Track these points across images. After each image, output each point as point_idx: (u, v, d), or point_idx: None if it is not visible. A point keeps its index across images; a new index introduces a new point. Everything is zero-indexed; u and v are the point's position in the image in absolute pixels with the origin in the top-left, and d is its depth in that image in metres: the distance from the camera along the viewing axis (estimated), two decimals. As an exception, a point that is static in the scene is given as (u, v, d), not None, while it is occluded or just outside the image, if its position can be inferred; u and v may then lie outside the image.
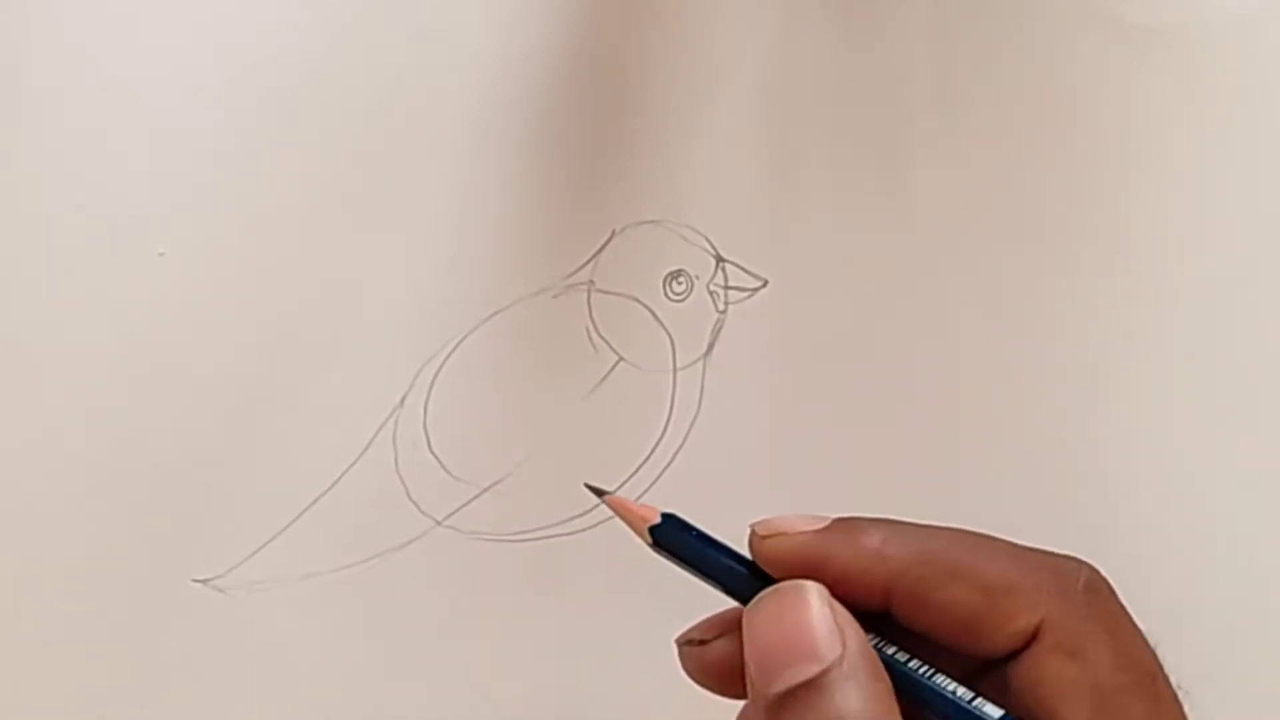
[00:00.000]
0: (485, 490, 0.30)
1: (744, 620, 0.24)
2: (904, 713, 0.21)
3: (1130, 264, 0.32)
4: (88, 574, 0.29)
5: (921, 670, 0.22)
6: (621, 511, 0.24)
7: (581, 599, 0.30)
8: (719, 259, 0.31)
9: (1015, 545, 0.23)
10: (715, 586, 0.24)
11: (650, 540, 0.24)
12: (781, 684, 0.23)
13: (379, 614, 0.29)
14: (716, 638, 0.24)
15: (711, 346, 0.31)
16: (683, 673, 0.28)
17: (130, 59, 0.32)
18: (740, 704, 0.25)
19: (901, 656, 0.23)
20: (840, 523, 0.23)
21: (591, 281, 0.31)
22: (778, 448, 0.30)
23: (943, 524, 0.23)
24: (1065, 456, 0.31)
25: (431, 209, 0.32)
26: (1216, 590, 0.30)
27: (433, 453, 0.30)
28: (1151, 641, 0.23)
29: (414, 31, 0.33)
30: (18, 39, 0.32)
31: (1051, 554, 0.23)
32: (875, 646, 0.22)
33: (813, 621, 0.23)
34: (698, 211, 0.32)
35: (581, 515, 0.30)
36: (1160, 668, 0.23)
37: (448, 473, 0.30)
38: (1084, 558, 0.24)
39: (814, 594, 0.24)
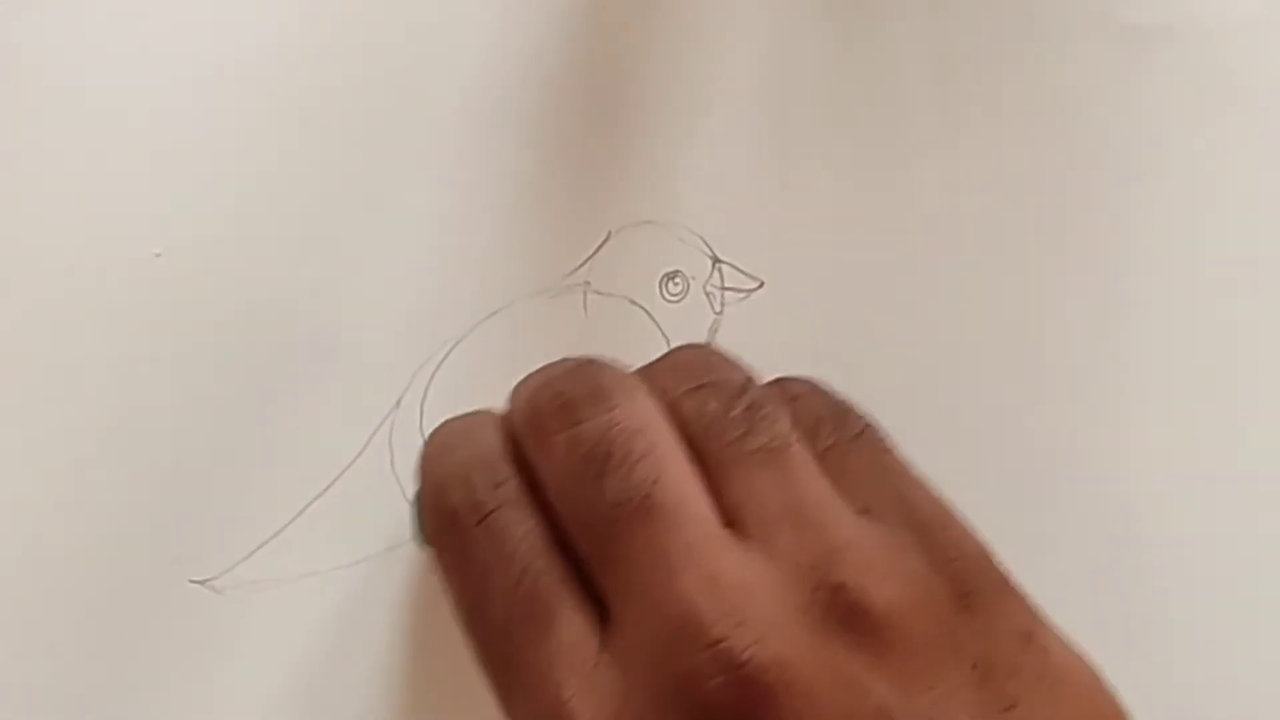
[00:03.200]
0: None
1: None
2: None
3: (1131, 266, 0.32)
4: (84, 575, 0.29)
5: None
6: None
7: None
8: (715, 260, 0.31)
9: None
10: None
11: None
12: None
13: (376, 614, 0.29)
14: None
15: (708, 348, 0.31)
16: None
17: (127, 59, 0.32)
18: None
19: None
20: None
21: (587, 283, 0.31)
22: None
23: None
24: (1065, 457, 0.31)
25: (427, 210, 0.32)
26: (1217, 589, 0.30)
27: (430, 454, 0.30)
28: None
29: (410, 32, 0.33)
30: (15, 39, 0.32)
31: None
32: None
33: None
34: (694, 212, 0.32)
35: (578, 516, 0.30)
36: None
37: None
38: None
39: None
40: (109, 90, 0.32)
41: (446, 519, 0.24)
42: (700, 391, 0.24)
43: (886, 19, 0.34)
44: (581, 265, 0.31)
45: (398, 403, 0.30)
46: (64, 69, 0.32)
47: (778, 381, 0.25)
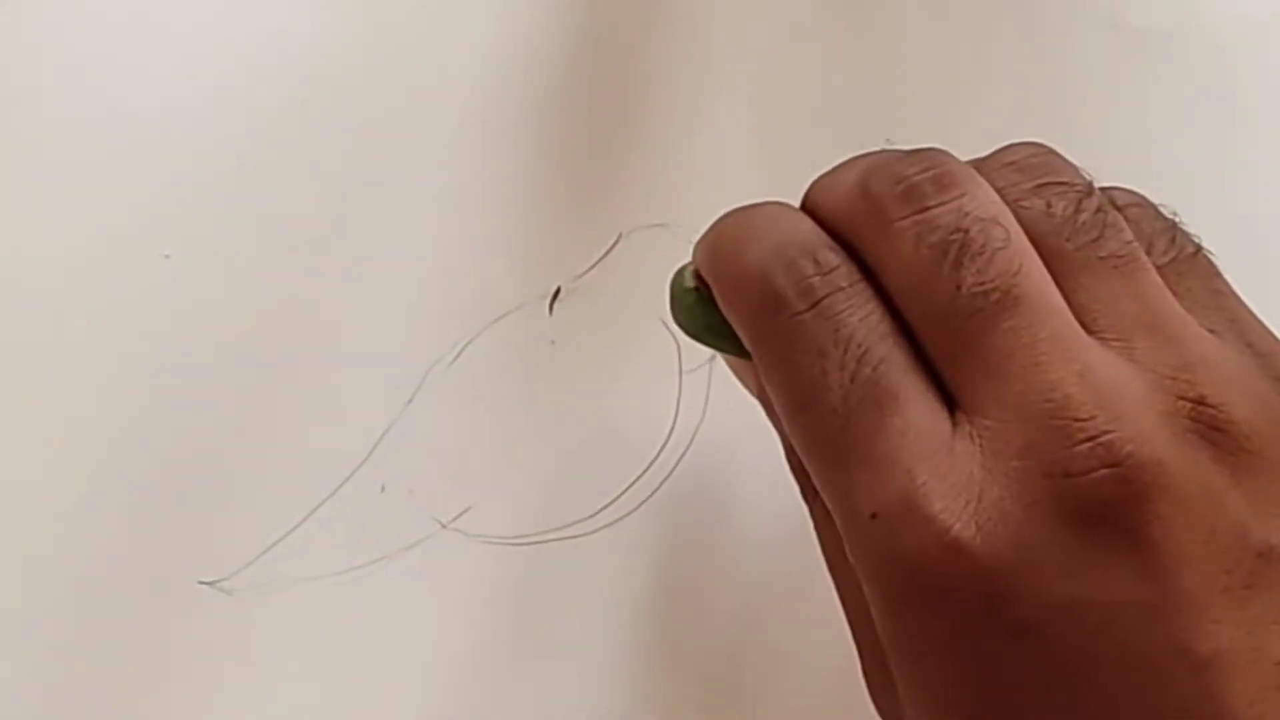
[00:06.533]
0: (491, 493, 0.30)
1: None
2: None
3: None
4: (94, 577, 0.29)
5: None
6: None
7: (586, 602, 0.30)
8: (725, 262, 0.31)
9: None
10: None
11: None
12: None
13: (385, 616, 0.29)
14: None
15: (717, 350, 0.31)
16: (687, 676, 0.28)
17: (133, 59, 0.32)
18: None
19: None
20: None
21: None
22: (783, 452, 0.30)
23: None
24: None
25: (438, 212, 0.32)
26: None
27: (439, 455, 0.30)
28: None
29: (419, 31, 0.33)
30: (18, 39, 0.32)
31: None
32: None
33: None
34: (704, 215, 0.31)
35: (588, 519, 0.30)
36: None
37: (454, 475, 0.30)
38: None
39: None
40: (116, 94, 0.32)
41: (770, 303, 0.22)
42: (1046, 190, 0.23)
43: (891, 23, 0.34)
44: (592, 267, 0.31)
45: (409, 403, 0.30)
46: (71, 72, 0.32)
47: (1105, 191, 0.24)
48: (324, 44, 0.33)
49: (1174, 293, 0.22)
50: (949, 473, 0.20)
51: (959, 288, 0.21)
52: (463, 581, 0.30)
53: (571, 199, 0.32)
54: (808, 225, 0.24)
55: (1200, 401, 0.20)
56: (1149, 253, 0.23)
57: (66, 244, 0.31)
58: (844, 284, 0.22)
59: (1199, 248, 0.24)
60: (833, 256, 0.23)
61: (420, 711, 0.29)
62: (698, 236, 0.31)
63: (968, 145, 0.33)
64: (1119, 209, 0.23)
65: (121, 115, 0.32)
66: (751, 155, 0.32)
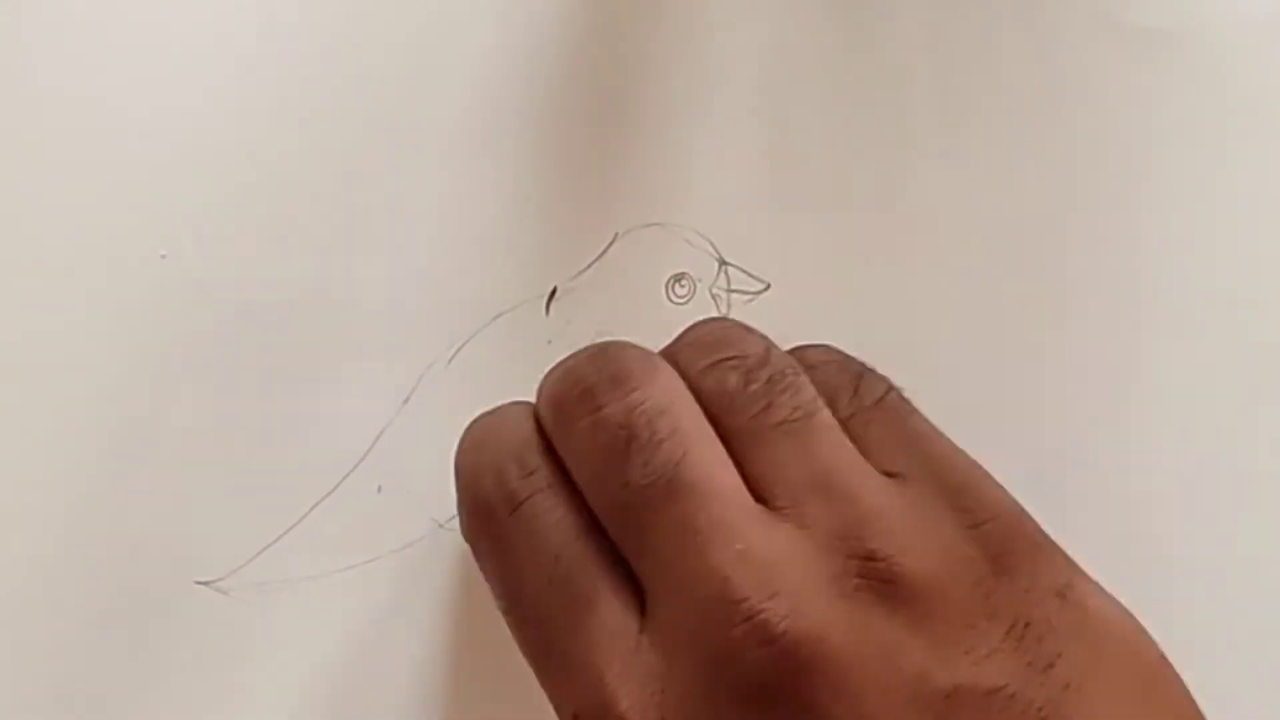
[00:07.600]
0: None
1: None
2: None
3: (1137, 270, 0.32)
4: (89, 575, 0.29)
5: None
6: None
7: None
8: (721, 262, 0.31)
9: None
10: None
11: None
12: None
13: (381, 615, 0.29)
14: None
15: (714, 350, 0.31)
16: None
17: (130, 59, 0.32)
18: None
19: None
20: None
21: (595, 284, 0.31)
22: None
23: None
24: (1067, 461, 0.31)
25: (433, 211, 0.32)
26: (1229, 592, 0.30)
27: (436, 455, 0.30)
28: None
29: (416, 32, 0.33)
30: (17, 39, 0.32)
31: None
32: None
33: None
34: (700, 215, 0.32)
35: (584, 518, 0.30)
36: None
37: (451, 475, 0.30)
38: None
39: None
40: (112, 91, 0.32)
41: (481, 510, 0.24)
42: (719, 367, 0.23)
43: (890, 21, 0.34)
44: (588, 267, 0.31)
45: (405, 402, 0.30)
46: (66, 69, 0.32)
47: (795, 350, 0.25)
48: (322, 43, 0.33)
49: (861, 442, 0.23)
50: (636, 668, 0.21)
51: (626, 483, 0.22)
52: (459, 581, 0.30)
53: (567, 198, 0.32)
54: (522, 429, 0.25)
55: (869, 557, 0.21)
56: (834, 407, 0.23)
57: (61, 243, 0.31)
58: (543, 485, 0.23)
59: (887, 391, 0.24)
60: (535, 458, 0.24)
61: (416, 711, 0.29)
62: (693, 237, 0.32)
63: (972, 145, 0.33)
64: (809, 367, 0.24)
65: (117, 114, 0.32)
66: (749, 154, 0.32)
